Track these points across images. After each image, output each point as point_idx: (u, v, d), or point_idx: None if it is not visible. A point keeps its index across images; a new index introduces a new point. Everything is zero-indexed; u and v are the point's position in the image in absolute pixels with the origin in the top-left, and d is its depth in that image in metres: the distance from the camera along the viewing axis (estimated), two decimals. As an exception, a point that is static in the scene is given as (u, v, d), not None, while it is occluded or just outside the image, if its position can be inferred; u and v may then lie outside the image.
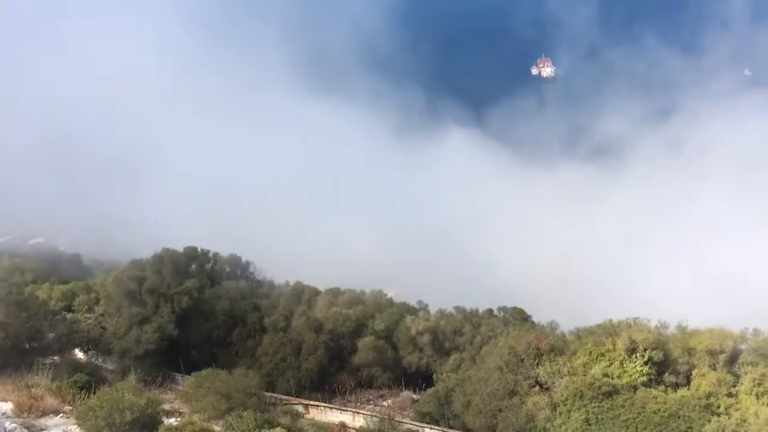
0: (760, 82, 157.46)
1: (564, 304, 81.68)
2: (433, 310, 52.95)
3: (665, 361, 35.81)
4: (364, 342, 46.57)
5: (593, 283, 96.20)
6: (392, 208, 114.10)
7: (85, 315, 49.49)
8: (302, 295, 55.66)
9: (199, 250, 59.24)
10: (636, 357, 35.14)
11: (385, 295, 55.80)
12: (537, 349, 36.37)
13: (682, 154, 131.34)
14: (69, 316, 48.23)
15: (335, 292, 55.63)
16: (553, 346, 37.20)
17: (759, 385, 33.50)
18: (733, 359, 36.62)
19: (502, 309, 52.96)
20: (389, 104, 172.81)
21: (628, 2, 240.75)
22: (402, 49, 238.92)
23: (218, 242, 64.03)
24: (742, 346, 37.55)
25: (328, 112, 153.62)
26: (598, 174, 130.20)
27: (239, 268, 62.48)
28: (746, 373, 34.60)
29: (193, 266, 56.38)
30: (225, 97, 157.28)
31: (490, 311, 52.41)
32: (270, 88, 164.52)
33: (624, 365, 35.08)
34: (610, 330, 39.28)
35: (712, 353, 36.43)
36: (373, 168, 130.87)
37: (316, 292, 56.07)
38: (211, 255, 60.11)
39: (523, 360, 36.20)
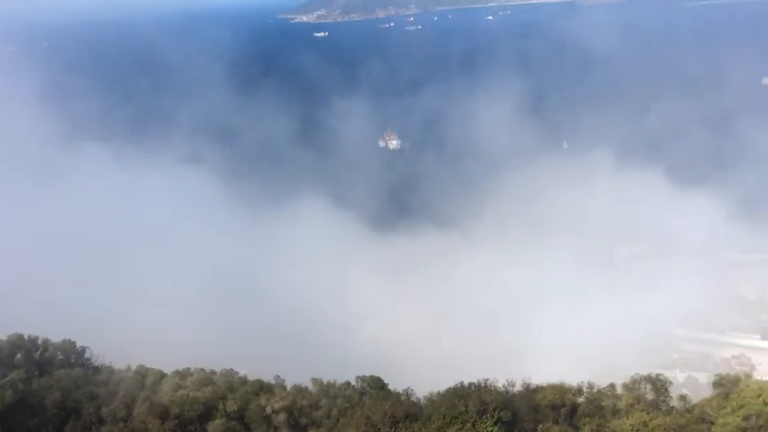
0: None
1: (424, 369, 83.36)
2: (291, 383, 51.43)
3: (513, 419, 37.19)
4: (215, 425, 43.85)
5: (455, 344, 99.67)
6: (244, 281, 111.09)
7: None
8: (145, 379, 51.86)
9: (26, 336, 53.86)
10: (486, 418, 36.17)
11: (237, 373, 53.40)
12: (393, 417, 36.34)
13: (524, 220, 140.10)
14: None
15: (183, 374, 52.40)
16: (408, 412, 37.39)
17: (596, 435, 35.70)
18: (572, 412, 38.83)
19: (360, 378, 52.58)
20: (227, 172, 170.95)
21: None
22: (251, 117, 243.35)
23: (50, 325, 58.71)
24: (580, 399, 40.04)
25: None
26: (453, 241, 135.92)
27: (74, 354, 57.28)
28: (584, 425, 36.75)
29: (19, 355, 50.95)
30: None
31: (348, 383, 51.83)
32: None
33: (476, 426, 35.90)
34: (462, 393, 40.30)
35: (554, 407, 38.40)
36: (208, 237, 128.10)
37: (161, 375, 52.45)
38: (40, 342, 54.82)
39: (379, 430, 35.94)
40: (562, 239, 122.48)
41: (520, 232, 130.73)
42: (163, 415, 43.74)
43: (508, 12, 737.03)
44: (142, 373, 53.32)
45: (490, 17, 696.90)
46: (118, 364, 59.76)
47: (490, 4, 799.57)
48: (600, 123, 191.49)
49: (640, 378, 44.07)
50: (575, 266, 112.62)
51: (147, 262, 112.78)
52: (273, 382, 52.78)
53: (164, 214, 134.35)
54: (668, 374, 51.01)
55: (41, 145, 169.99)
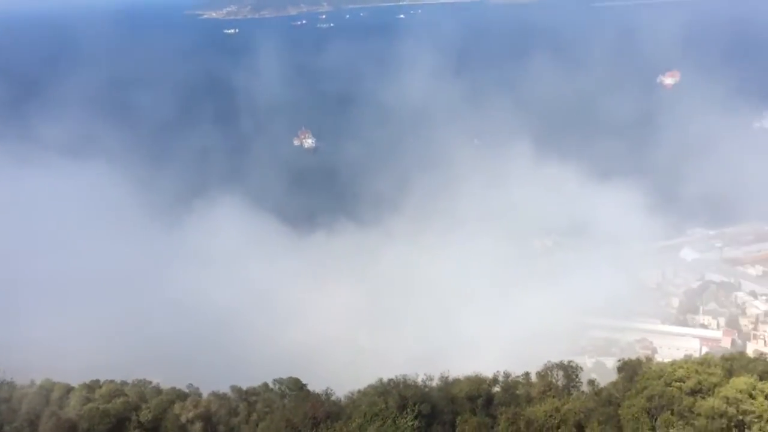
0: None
1: (344, 369, 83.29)
2: (209, 390, 50.11)
3: (432, 412, 37.82)
4: (128, 438, 42.20)
5: (376, 342, 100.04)
6: (156, 287, 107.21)
7: None
8: (51, 394, 49.00)
9: None
10: (407, 412, 36.61)
11: (150, 383, 51.44)
12: (313, 417, 36.18)
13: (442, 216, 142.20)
14: None
15: (91, 387, 49.85)
16: (329, 412, 37.31)
17: (512, 423, 36.79)
18: (489, 402, 39.87)
19: (278, 381, 51.82)
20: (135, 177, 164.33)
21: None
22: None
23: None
24: (496, 389, 41.19)
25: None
26: (372, 238, 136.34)
27: (-31, 371, 53.47)
28: (501, 414, 37.85)
29: None
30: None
31: (266, 385, 51.02)
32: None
33: (396, 422, 36.27)
34: (382, 390, 40.57)
35: (471, 398, 39.30)
36: (115, 242, 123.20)
37: (68, 389, 49.70)
38: (-71, 360, 50.87)
39: (300, 431, 35.67)
40: (478, 234, 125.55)
41: (437, 227, 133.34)
42: (71, 430, 41.66)
43: (419, 11, 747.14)
44: (48, 387, 50.34)
45: (401, 16, 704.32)
46: (20, 380, 56.40)
47: (401, 3, 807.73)
48: (508, 120, 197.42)
49: (552, 365, 45.80)
50: (492, 260, 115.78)
51: (48, 270, 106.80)
52: (186, 390, 51.27)
53: (66, 218, 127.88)
54: (578, 360, 53.32)
55: None
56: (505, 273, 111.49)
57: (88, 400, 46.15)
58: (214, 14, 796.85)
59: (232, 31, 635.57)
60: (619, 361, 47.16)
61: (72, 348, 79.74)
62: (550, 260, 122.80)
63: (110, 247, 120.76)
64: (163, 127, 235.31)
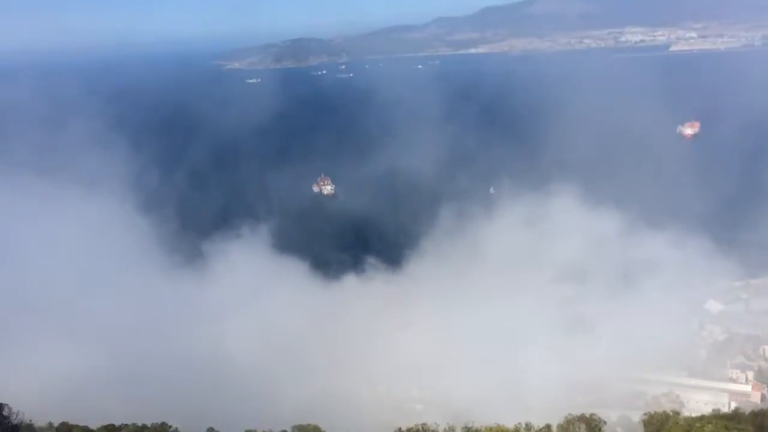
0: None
1: (364, 416, 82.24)
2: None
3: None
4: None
5: (395, 390, 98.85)
6: (177, 330, 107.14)
7: None
8: (70, 437, 48.98)
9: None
10: (428, 462, 35.97)
11: (170, 426, 51.23)
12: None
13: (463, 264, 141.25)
14: None
15: (110, 429, 49.78)
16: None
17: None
18: (513, 453, 39.09)
19: (297, 428, 51.40)
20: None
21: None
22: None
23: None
24: (519, 440, 40.42)
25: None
26: (391, 285, 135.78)
27: (-11, 413, 53.58)
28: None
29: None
30: None
31: (285, 432, 50.58)
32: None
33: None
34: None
35: (496, 449, 38.57)
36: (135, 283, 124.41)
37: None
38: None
39: (320, 480, 35.13)
40: (500, 280, 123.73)
41: (458, 275, 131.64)
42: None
43: (437, 62, 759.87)
44: (65, 431, 50.35)
45: (419, 66, 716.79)
46: (38, 422, 56.33)
47: (420, 54, 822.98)
48: (523, 168, 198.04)
49: (574, 418, 44.89)
50: (513, 308, 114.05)
51: (67, 310, 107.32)
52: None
53: (84, 253, 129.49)
54: (602, 413, 52.04)
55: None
56: (528, 322, 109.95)
57: (108, 444, 45.97)
58: (237, 65, 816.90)
59: (254, 80, 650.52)
60: (645, 414, 46.12)
61: (90, 391, 79.51)
62: (574, 310, 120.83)
63: (128, 289, 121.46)
64: (184, 171, 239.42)
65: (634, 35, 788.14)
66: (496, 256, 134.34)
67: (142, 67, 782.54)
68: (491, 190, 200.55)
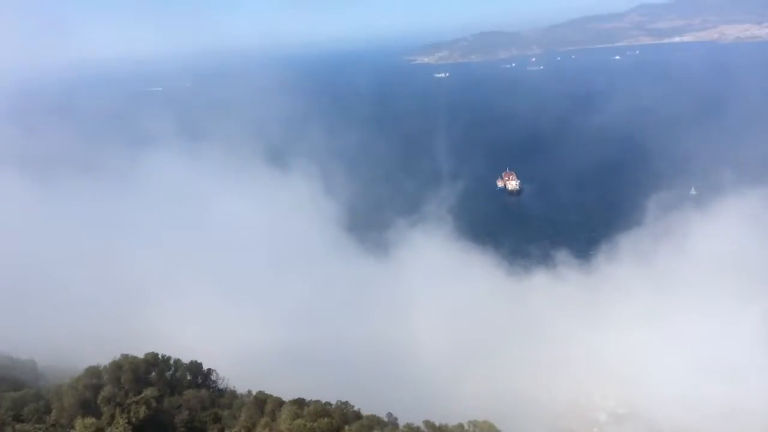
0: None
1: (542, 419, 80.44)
2: (403, 422, 51.54)
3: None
4: (329, 457, 44.65)
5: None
6: (361, 317, 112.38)
7: (35, 425, 46.75)
8: (265, 405, 53.62)
9: (159, 356, 57.61)
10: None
11: (352, 406, 54.04)
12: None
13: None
14: (17, 426, 45.50)
15: (300, 403, 53.66)
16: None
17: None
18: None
19: (472, 423, 51.61)
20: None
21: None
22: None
23: (181, 347, 62.53)
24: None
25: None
26: (583, 287, 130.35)
27: (200, 375, 60.57)
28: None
29: (153, 374, 54.50)
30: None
31: (461, 426, 51.05)
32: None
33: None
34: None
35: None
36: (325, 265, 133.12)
37: (279, 403, 54.00)
38: (172, 362, 58.44)
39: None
40: (713, 287, 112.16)
41: (659, 278, 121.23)
42: (282, 442, 45.14)
43: (637, 52, 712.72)
44: (262, 399, 55.17)
45: (617, 57, 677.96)
46: (239, 388, 62.56)
47: (617, 44, 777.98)
48: (728, 166, 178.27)
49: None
50: (728, 317, 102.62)
51: (258, 287, 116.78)
52: (386, 419, 53.06)
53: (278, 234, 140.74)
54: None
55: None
56: (748, 336, 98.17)
57: (297, 416, 49.67)
58: (426, 59, 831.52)
59: (443, 75, 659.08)
60: None
61: (281, 366, 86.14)
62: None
63: (318, 273, 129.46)
64: (372, 159, 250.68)
65: None
66: (707, 260, 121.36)
67: (338, 63, 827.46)
68: (692, 191, 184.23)
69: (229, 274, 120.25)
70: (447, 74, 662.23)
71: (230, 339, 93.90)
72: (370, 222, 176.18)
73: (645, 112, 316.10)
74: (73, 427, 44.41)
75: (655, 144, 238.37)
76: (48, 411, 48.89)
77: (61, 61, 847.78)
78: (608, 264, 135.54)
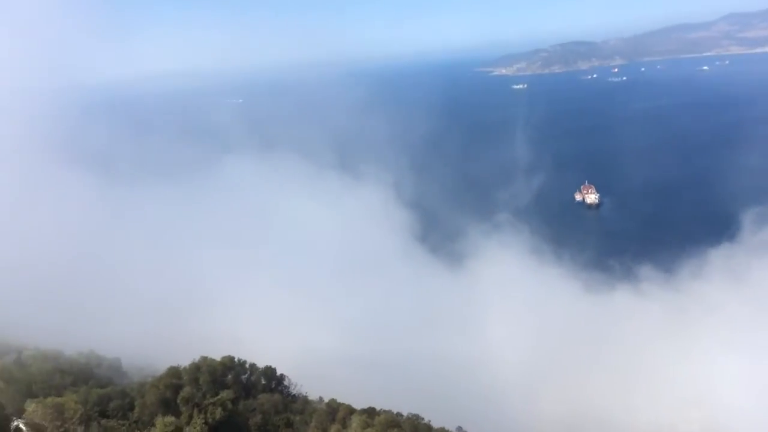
0: None
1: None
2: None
3: None
4: (399, 468, 44.43)
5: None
6: (436, 332, 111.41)
7: (119, 421, 48.83)
8: (336, 413, 53.99)
9: (236, 359, 59.08)
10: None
11: (422, 419, 53.69)
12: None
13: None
14: (103, 422, 47.62)
15: (370, 413, 53.75)
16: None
17: None
18: None
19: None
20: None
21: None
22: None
23: (256, 353, 63.94)
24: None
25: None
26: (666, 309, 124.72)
27: (274, 380, 61.68)
28: None
29: (229, 376, 55.90)
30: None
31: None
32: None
33: None
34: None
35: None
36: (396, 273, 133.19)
37: (350, 411, 54.24)
38: (247, 366, 59.80)
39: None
40: None
41: (756, 298, 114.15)
42: (352, 451, 45.28)
43: (726, 62, 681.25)
44: (334, 406, 55.59)
45: (705, 67, 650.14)
46: (311, 395, 63.33)
47: (705, 54, 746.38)
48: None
49: None
50: None
51: (326, 294, 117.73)
52: (456, 433, 52.47)
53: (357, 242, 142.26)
54: None
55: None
56: None
57: (368, 425, 49.71)
58: (504, 71, 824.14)
59: (521, 86, 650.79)
60: None
61: (351, 374, 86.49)
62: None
63: (390, 282, 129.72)
64: (453, 171, 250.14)
65: None
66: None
67: (416, 74, 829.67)
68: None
69: (300, 280, 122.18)
70: (525, 85, 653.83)
71: (300, 344, 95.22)
72: (445, 232, 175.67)
73: (735, 123, 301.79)
74: (153, 425, 46.06)
75: (747, 156, 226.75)
76: (131, 408, 50.98)
77: (157, 70, 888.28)
78: (695, 280, 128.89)
